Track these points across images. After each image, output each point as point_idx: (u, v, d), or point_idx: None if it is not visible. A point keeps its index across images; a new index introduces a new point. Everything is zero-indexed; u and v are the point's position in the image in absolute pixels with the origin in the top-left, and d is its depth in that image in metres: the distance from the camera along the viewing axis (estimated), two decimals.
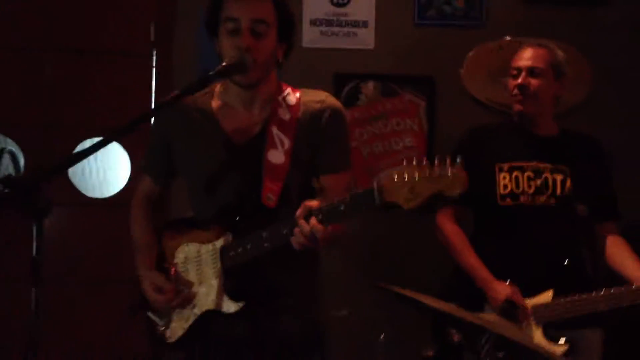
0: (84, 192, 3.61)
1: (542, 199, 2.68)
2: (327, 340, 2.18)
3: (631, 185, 3.24)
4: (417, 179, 1.67)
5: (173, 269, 2.10)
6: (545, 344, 2.46)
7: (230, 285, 1.99)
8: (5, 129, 3.57)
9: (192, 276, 2.07)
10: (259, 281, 2.03)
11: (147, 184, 2.26)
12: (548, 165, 2.72)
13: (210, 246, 2.04)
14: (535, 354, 1.64)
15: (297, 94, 2.11)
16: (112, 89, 3.57)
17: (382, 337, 3.31)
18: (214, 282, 2.02)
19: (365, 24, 3.58)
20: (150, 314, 2.15)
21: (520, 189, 2.69)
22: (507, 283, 2.57)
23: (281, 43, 2.06)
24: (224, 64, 1.94)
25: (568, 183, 2.70)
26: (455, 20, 3.60)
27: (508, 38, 3.55)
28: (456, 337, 2.40)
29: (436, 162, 1.68)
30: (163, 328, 2.12)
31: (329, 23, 3.58)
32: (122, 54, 3.60)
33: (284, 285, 2.05)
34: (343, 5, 3.59)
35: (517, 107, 2.74)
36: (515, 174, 2.70)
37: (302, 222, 1.82)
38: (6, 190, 1.54)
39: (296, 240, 1.84)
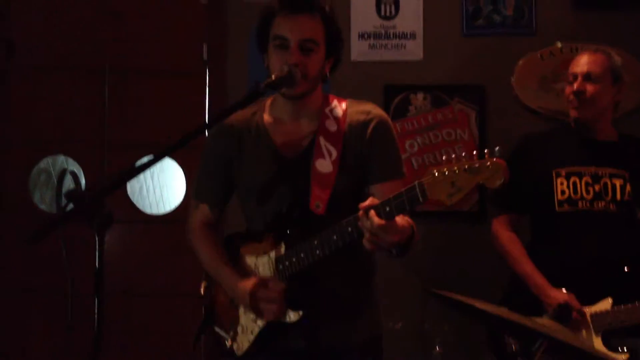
0: (142, 209, 3.71)
1: (602, 204, 2.65)
2: (383, 350, 2.19)
3: None
4: (457, 172, 1.67)
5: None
6: (604, 352, 2.41)
7: (289, 295, 2.01)
8: (66, 149, 3.70)
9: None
10: (317, 289, 2.05)
11: (203, 212, 2.24)
12: (607, 170, 2.68)
13: (265, 257, 2.08)
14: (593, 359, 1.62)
15: (344, 105, 2.15)
16: (167, 108, 3.66)
17: (437, 349, 3.30)
18: None
19: (413, 36, 3.60)
20: (216, 329, 2.19)
21: (578, 194, 2.66)
22: (564, 290, 2.54)
23: (329, 59, 2.10)
24: (272, 77, 1.98)
25: (628, 188, 2.66)
26: (505, 28, 3.58)
27: (559, 44, 3.52)
28: (514, 347, 2.38)
29: (474, 154, 1.68)
30: (231, 342, 2.15)
31: (377, 36, 3.61)
32: (177, 73, 3.69)
33: (341, 292, 2.08)
34: (391, 17, 3.61)
35: (573, 113, 2.72)
36: (573, 179, 2.67)
37: (362, 217, 1.80)
38: (70, 205, 1.61)
39: (365, 239, 1.82)
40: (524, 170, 2.62)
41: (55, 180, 3.70)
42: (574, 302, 2.50)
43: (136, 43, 3.69)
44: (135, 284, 3.62)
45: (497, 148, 1.67)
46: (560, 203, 2.67)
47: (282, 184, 2.09)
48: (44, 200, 3.71)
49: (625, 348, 2.47)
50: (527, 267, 2.65)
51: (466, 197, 1.71)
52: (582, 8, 3.55)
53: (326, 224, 1.94)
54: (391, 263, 3.29)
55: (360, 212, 1.81)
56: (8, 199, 3.65)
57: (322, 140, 2.07)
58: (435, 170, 1.70)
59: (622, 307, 2.50)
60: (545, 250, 2.69)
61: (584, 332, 2.49)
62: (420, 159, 3.55)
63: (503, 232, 2.76)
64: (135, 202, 3.70)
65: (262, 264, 2.09)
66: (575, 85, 2.69)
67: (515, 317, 1.57)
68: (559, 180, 2.68)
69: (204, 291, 2.26)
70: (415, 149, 3.55)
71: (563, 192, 2.66)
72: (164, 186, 3.73)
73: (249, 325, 2.10)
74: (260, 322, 2.08)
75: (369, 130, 2.09)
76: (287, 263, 2.01)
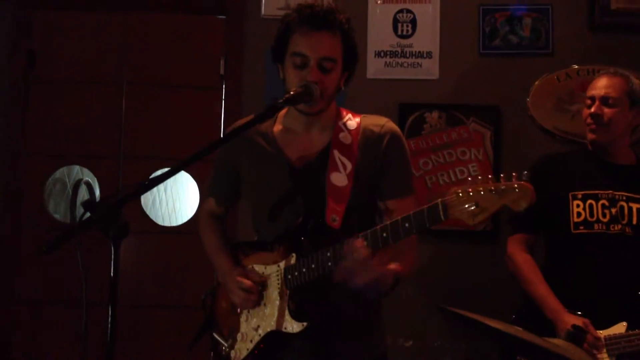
0: (155, 221, 3.73)
1: (618, 227, 2.63)
2: None
3: None
4: (482, 193, 1.66)
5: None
6: None
7: (294, 306, 2.02)
8: (82, 160, 3.73)
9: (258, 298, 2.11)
10: (323, 302, 2.05)
11: (211, 204, 2.34)
12: (624, 194, 2.67)
13: (275, 267, 2.08)
14: None
15: (357, 119, 2.16)
16: (183, 121, 3.69)
17: None
18: (278, 303, 2.05)
19: (429, 55, 3.61)
20: (215, 335, 2.20)
21: (595, 217, 2.64)
22: (579, 314, 2.52)
23: (344, 73, 2.11)
24: (291, 92, 1.99)
25: None
26: (521, 49, 3.59)
27: (575, 66, 3.52)
28: None
29: (502, 176, 1.67)
30: (228, 349, 2.15)
31: (393, 54, 3.62)
32: (193, 87, 3.73)
33: (347, 308, 2.07)
34: (408, 36, 3.63)
35: (590, 136, 2.72)
36: (589, 202, 2.66)
37: (349, 243, 1.85)
38: (87, 214, 1.62)
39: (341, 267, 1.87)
40: (541, 191, 2.59)
41: (70, 191, 3.72)
42: (590, 328, 2.47)
43: (153, 57, 3.73)
44: (146, 295, 3.63)
45: (525, 172, 1.66)
46: (576, 225, 2.65)
47: (294, 194, 2.09)
48: (58, 210, 3.74)
49: None
50: (541, 290, 2.63)
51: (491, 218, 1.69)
52: (598, 30, 3.55)
53: (339, 237, 1.95)
54: (402, 280, 3.29)
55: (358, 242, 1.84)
56: (25, 209, 3.68)
57: (336, 154, 2.08)
58: (459, 190, 1.69)
59: (637, 331, 2.49)
60: (560, 272, 2.67)
61: (598, 355, 2.47)
62: (434, 178, 3.55)
63: (518, 253, 2.75)
64: (148, 213, 3.72)
65: (270, 273, 2.09)
66: (592, 109, 2.69)
67: (528, 336, 1.56)
68: (575, 203, 2.66)
69: (205, 297, 2.29)
70: (430, 167, 3.55)
71: (579, 215, 2.65)
72: (176, 199, 3.75)
73: (249, 333, 2.11)
74: (261, 331, 2.08)
75: (384, 144, 2.10)
76: (296, 273, 2.01)
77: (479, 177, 1.70)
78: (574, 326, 2.38)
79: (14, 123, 3.67)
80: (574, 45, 3.55)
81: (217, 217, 2.34)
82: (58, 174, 3.74)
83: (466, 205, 1.68)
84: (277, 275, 2.07)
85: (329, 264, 1.94)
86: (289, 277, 2.03)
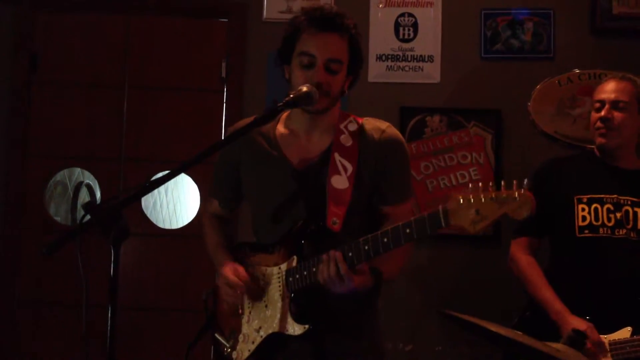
0: (156, 223, 3.73)
1: (622, 232, 2.62)
2: None
3: None
4: (483, 200, 1.67)
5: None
6: None
7: (295, 308, 2.02)
8: (83, 162, 3.73)
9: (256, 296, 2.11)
10: (324, 305, 2.04)
11: (214, 205, 2.33)
12: (629, 199, 2.66)
13: (276, 269, 2.08)
14: None
15: (359, 122, 2.16)
16: (184, 124, 3.70)
17: None
18: (279, 305, 2.05)
19: (431, 59, 3.61)
20: (217, 335, 2.20)
21: (600, 221, 2.63)
22: (585, 318, 2.50)
23: (348, 76, 2.12)
24: (291, 95, 1.99)
25: None
26: (523, 53, 3.59)
27: (577, 71, 3.52)
28: None
29: (502, 184, 1.68)
30: (230, 350, 2.15)
31: (395, 58, 3.63)
32: (195, 90, 3.73)
33: (346, 311, 2.07)
34: (409, 40, 3.63)
35: (600, 140, 2.70)
36: (594, 206, 2.65)
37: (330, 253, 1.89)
38: (88, 216, 1.62)
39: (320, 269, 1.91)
40: (546, 195, 2.59)
41: (71, 193, 3.73)
42: (593, 333, 2.46)
43: (155, 59, 3.73)
44: (146, 298, 3.63)
45: (525, 180, 1.67)
46: (581, 229, 2.63)
47: (295, 197, 2.09)
48: (59, 212, 3.74)
49: None
50: (546, 293, 2.62)
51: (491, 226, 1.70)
52: (600, 34, 3.56)
53: (339, 240, 1.95)
54: (402, 285, 3.29)
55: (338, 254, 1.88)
56: (27, 211, 3.68)
57: (337, 156, 2.08)
58: (460, 197, 1.70)
59: None
60: (564, 276, 2.66)
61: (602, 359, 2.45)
62: (435, 181, 3.55)
63: (522, 256, 2.73)
64: (149, 216, 3.72)
65: (271, 275, 2.09)
66: (603, 112, 2.67)
67: (528, 340, 1.56)
68: (580, 207, 2.65)
69: (206, 297, 2.28)
70: (430, 171, 3.55)
71: (584, 218, 2.64)
72: (177, 201, 3.76)
73: (251, 335, 2.11)
74: (262, 332, 2.08)
75: (385, 149, 2.11)
76: (297, 276, 2.02)
77: (480, 184, 1.70)
78: (574, 330, 2.37)
79: (16, 125, 3.68)
80: (576, 49, 3.56)
81: (221, 218, 2.34)
82: (59, 176, 3.75)
83: (467, 213, 1.69)
84: (279, 278, 2.07)
85: None
86: (290, 279, 2.03)
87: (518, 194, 1.65)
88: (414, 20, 3.63)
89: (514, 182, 1.67)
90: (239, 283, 2.08)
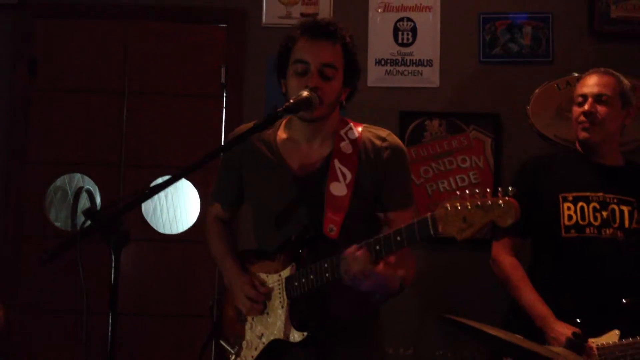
0: (156, 228, 3.73)
1: (609, 232, 2.54)
2: None
3: None
4: (469, 208, 1.68)
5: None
6: None
7: (295, 315, 2.03)
8: (83, 167, 3.73)
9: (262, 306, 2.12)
10: (323, 312, 2.06)
11: (217, 209, 2.34)
12: (615, 197, 2.58)
13: (276, 276, 2.09)
14: None
15: (360, 129, 2.17)
16: (183, 130, 3.70)
17: None
18: (280, 312, 2.06)
19: (430, 63, 3.62)
20: (222, 342, 2.21)
21: (586, 220, 2.54)
22: (576, 322, 2.42)
23: (345, 87, 2.13)
24: (291, 100, 2.00)
25: (636, 215, 2.56)
26: (522, 57, 3.60)
27: (576, 74, 3.53)
28: None
29: (488, 191, 1.68)
30: (234, 356, 2.16)
31: (394, 62, 3.63)
32: (194, 96, 3.74)
33: (347, 316, 2.08)
34: (408, 44, 3.64)
35: (583, 134, 2.62)
36: (580, 204, 2.56)
37: (348, 250, 1.88)
38: (88, 222, 1.63)
39: (343, 268, 1.89)
40: (530, 194, 2.53)
41: (71, 198, 3.73)
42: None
43: (155, 65, 3.74)
44: (147, 303, 3.62)
45: (510, 187, 1.67)
46: (567, 229, 2.55)
47: (295, 204, 2.10)
48: (59, 218, 3.74)
49: None
50: (530, 296, 2.53)
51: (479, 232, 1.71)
52: (598, 38, 3.57)
53: (337, 247, 1.96)
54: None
55: (359, 252, 1.86)
56: (27, 217, 3.68)
57: (336, 163, 2.09)
58: (448, 204, 1.71)
59: (630, 340, 2.38)
60: (549, 278, 2.57)
61: None
62: (434, 185, 3.55)
63: (504, 257, 2.63)
64: (149, 221, 3.72)
65: (272, 282, 2.10)
66: (586, 106, 2.60)
67: (530, 344, 1.56)
68: (565, 205, 2.56)
69: (212, 304, 2.30)
70: (430, 175, 3.55)
71: (570, 217, 2.55)
72: (177, 207, 3.76)
73: (254, 341, 2.12)
74: (264, 339, 2.09)
75: (385, 157, 2.11)
76: (296, 284, 2.03)
77: (467, 191, 1.71)
78: (574, 334, 2.32)
79: (16, 131, 3.68)
80: (574, 53, 3.57)
81: (223, 221, 2.35)
82: (59, 181, 3.75)
83: (454, 220, 1.70)
84: (279, 285, 2.08)
85: (327, 275, 1.95)
86: (290, 287, 2.05)
87: (502, 201, 1.66)
88: (412, 24, 3.64)
89: (499, 189, 1.68)
90: (261, 295, 2.09)
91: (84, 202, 3.69)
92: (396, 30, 3.64)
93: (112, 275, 1.62)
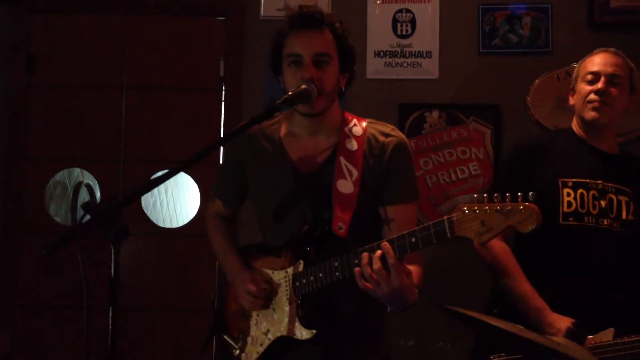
0: (156, 222, 3.73)
1: (606, 222, 2.41)
2: None
3: None
4: (488, 212, 1.67)
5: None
6: None
7: (303, 313, 2.02)
8: (82, 162, 3.73)
9: (265, 302, 2.11)
10: (331, 309, 2.05)
11: (217, 205, 2.33)
12: (613, 186, 2.45)
13: (282, 273, 2.08)
14: None
15: (364, 124, 2.15)
16: (183, 123, 3.70)
17: None
18: (287, 309, 2.05)
19: (429, 54, 3.61)
20: (226, 337, 2.20)
21: (585, 209, 2.40)
22: (569, 319, 2.30)
23: (343, 73, 2.11)
24: (289, 93, 2.00)
25: (632, 206, 2.45)
26: (521, 48, 3.59)
27: (575, 65, 3.51)
28: None
29: (508, 196, 1.66)
30: (238, 352, 2.16)
31: (393, 54, 3.62)
32: (193, 89, 3.73)
33: (354, 314, 2.08)
34: (407, 36, 3.63)
35: (592, 114, 2.44)
36: (580, 191, 2.41)
37: (365, 254, 1.85)
38: (87, 216, 1.62)
39: (359, 275, 1.86)
40: (526, 175, 2.41)
41: (70, 193, 3.73)
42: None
43: (153, 59, 3.73)
44: (147, 298, 3.63)
45: (530, 193, 1.65)
46: (566, 216, 2.40)
47: (300, 200, 2.09)
48: (59, 213, 3.74)
49: None
50: (526, 287, 2.36)
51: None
52: (598, 28, 3.55)
53: (345, 245, 1.95)
54: None
55: (386, 247, 1.83)
56: (26, 212, 3.68)
57: (342, 160, 2.08)
58: (465, 208, 1.70)
59: (626, 338, 2.26)
60: (541, 266, 2.41)
61: None
62: (434, 177, 3.55)
63: (495, 242, 2.40)
64: (149, 215, 3.72)
65: (278, 278, 2.09)
66: (600, 84, 2.42)
67: (531, 334, 1.55)
68: (565, 191, 2.41)
69: (214, 299, 2.30)
70: (430, 166, 3.55)
71: (570, 204, 2.40)
72: (177, 200, 3.75)
73: (260, 337, 2.11)
74: (270, 335, 2.08)
75: (388, 153, 2.10)
76: (304, 281, 2.01)
77: (485, 195, 1.69)
78: (575, 324, 2.25)
79: (15, 126, 3.68)
80: (574, 43, 3.55)
81: (224, 218, 2.34)
82: (58, 176, 3.75)
83: (472, 224, 1.69)
84: (286, 282, 2.07)
85: (337, 274, 1.94)
86: (297, 284, 2.03)
87: (523, 207, 1.64)
88: (411, 16, 3.63)
89: (519, 193, 1.66)
90: (262, 291, 2.08)
91: (83, 197, 3.69)
92: (395, 21, 3.63)
93: (112, 270, 1.61)
